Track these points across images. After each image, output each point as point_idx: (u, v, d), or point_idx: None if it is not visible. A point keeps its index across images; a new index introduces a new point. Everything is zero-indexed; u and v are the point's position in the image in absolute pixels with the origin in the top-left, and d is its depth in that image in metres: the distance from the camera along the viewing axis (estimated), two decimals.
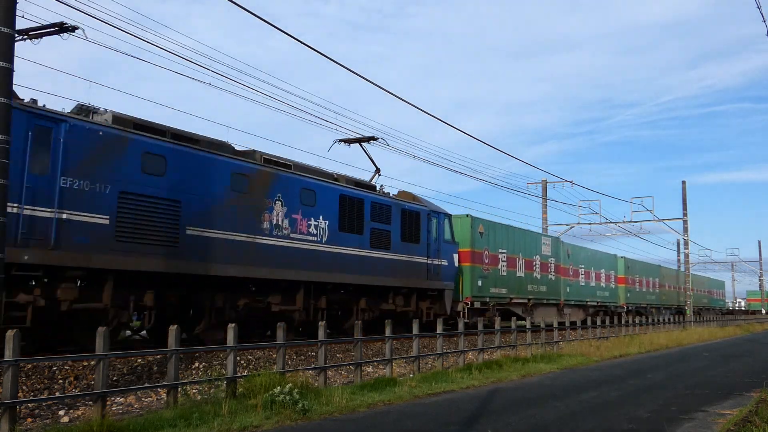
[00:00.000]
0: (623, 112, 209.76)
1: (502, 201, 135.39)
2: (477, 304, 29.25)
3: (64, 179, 13.36)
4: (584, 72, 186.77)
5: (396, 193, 25.61)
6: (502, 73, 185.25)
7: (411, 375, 17.30)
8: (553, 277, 36.92)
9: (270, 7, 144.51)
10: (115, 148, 14.39)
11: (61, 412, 11.22)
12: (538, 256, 35.44)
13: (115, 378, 13.52)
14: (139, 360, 14.67)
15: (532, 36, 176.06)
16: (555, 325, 28.40)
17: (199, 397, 12.42)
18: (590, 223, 50.82)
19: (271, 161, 18.91)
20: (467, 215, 29.74)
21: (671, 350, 30.70)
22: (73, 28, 14.22)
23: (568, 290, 38.05)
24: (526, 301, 33.50)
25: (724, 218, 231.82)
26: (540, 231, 43.16)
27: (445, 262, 26.45)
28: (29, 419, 10.69)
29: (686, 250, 55.37)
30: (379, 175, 25.73)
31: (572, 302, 38.68)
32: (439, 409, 12.33)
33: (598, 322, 34.30)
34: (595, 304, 43.75)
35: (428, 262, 25.40)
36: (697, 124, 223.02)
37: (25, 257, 12.65)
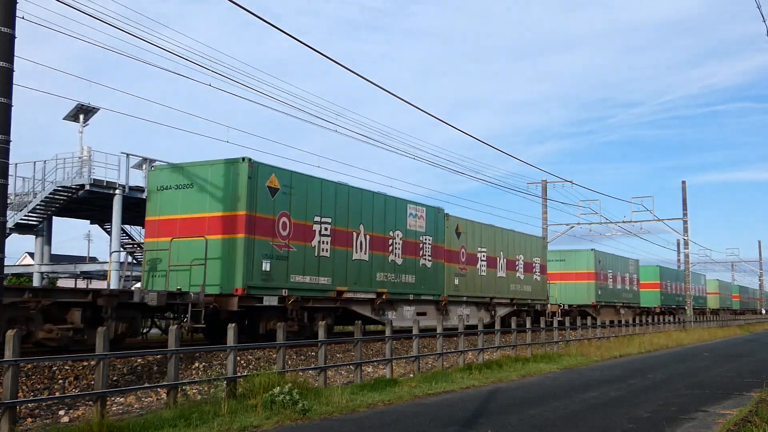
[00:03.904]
0: (624, 111, 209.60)
1: (502, 201, 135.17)
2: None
3: None
4: (585, 71, 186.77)
5: None
6: (502, 72, 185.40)
7: (411, 375, 17.30)
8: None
9: (270, 6, 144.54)
10: None
11: (61, 412, 11.23)
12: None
13: (115, 378, 13.52)
14: (139, 360, 14.67)
15: (532, 35, 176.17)
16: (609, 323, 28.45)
17: (198, 397, 12.42)
18: (590, 223, 50.79)
19: None
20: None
21: (671, 350, 30.71)
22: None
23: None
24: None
25: (724, 218, 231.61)
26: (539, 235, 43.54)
27: None
28: (29, 419, 10.69)
29: (686, 250, 55.32)
30: None
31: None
32: (439, 409, 12.33)
33: (598, 323, 34.45)
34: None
35: None
36: (697, 123, 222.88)
37: None
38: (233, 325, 13.15)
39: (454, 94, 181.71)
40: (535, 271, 35.04)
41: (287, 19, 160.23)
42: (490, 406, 12.66)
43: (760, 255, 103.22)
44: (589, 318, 34.86)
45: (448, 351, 20.54)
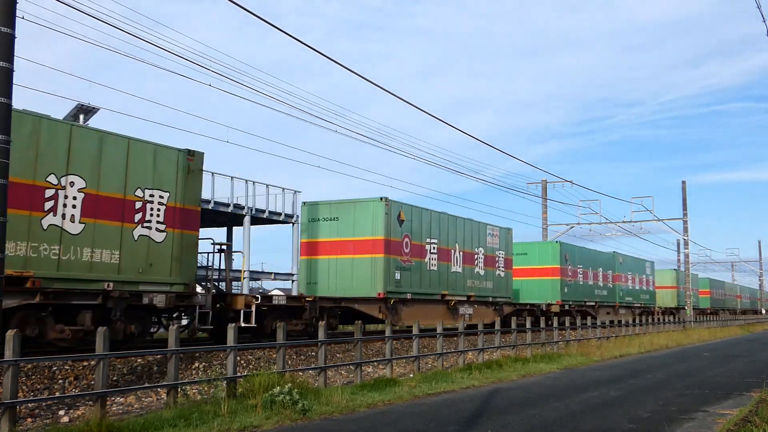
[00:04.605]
0: (624, 111, 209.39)
1: (502, 201, 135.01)
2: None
3: None
4: (586, 71, 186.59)
5: None
6: (503, 72, 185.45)
7: (411, 375, 17.31)
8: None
9: (270, 6, 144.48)
10: None
11: (61, 412, 11.23)
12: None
13: (115, 378, 13.53)
14: (139, 360, 14.67)
15: (533, 35, 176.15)
16: (562, 324, 28.37)
17: (198, 397, 12.43)
18: (590, 223, 50.79)
19: None
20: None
21: (671, 350, 30.71)
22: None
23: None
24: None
25: (724, 218, 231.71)
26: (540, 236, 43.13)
27: None
28: (29, 419, 10.69)
29: (686, 250, 55.36)
30: None
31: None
32: (439, 409, 12.33)
33: (600, 323, 34.47)
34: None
35: None
36: (698, 123, 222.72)
37: None
38: (233, 325, 13.16)
39: (454, 94, 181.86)
40: (151, 222, 15.86)
41: (287, 19, 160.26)
42: (490, 406, 12.66)
43: (760, 255, 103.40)
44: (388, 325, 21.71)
45: (448, 351, 20.54)
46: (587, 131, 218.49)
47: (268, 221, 39.11)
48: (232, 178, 36.12)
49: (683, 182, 54.46)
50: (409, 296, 24.70)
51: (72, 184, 14.31)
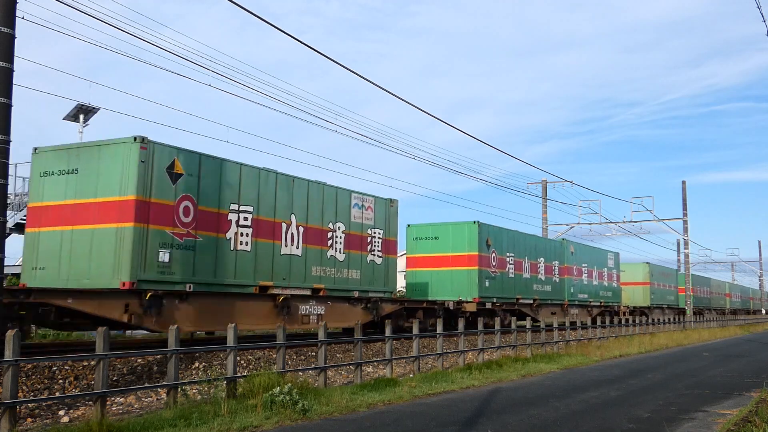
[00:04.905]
0: (624, 111, 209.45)
1: (502, 201, 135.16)
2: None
3: None
4: (586, 71, 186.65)
5: None
6: (503, 72, 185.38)
7: (411, 375, 17.31)
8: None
9: (270, 6, 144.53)
10: None
11: (61, 412, 11.24)
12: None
13: (115, 378, 13.53)
14: (139, 360, 14.67)
15: (533, 34, 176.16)
16: (555, 325, 28.34)
17: (198, 397, 12.43)
18: (590, 223, 50.79)
19: None
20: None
21: (671, 350, 30.72)
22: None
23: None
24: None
25: (724, 218, 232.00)
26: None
27: None
28: (29, 419, 10.70)
29: (686, 250, 55.39)
30: None
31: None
32: (439, 409, 12.33)
33: (600, 323, 34.46)
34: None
35: None
36: (698, 123, 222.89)
37: None
38: (233, 325, 13.15)
39: (454, 94, 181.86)
40: None
41: (287, 19, 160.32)
42: (491, 406, 12.67)
43: (760, 255, 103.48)
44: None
45: (448, 351, 20.55)
46: (587, 131, 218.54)
47: None
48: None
49: (683, 182, 54.56)
50: (188, 288, 16.42)
51: None
